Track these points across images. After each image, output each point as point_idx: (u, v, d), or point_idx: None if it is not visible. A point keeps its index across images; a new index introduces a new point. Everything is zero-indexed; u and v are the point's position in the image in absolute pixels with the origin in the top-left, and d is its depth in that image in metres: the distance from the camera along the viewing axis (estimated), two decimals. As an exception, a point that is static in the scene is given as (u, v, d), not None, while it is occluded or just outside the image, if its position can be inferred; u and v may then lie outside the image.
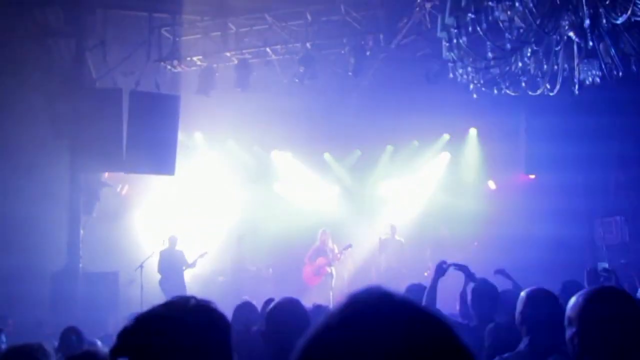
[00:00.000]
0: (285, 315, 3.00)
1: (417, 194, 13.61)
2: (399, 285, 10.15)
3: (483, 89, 6.87)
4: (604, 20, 4.99)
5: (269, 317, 3.06)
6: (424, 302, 4.51)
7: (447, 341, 0.87)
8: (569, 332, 2.24)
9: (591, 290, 2.25)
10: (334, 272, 11.91)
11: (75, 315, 8.86)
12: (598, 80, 5.47)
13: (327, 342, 0.85)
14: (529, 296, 3.16)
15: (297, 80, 9.90)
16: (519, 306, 3.15)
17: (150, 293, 9.80)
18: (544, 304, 3.10)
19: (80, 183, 9.80)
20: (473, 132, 13.21)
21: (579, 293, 2.24)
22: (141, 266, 10.17)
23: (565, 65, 5.91)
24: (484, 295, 4.53)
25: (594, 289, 2.27)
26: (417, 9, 8.92)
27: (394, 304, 0.89)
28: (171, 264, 10.59)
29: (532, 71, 6.35)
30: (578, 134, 10.13)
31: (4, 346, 3.88)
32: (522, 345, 3.08)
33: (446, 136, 13.49)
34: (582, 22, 5.11)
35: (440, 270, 4.73)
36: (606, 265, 7.09)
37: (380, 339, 0.82)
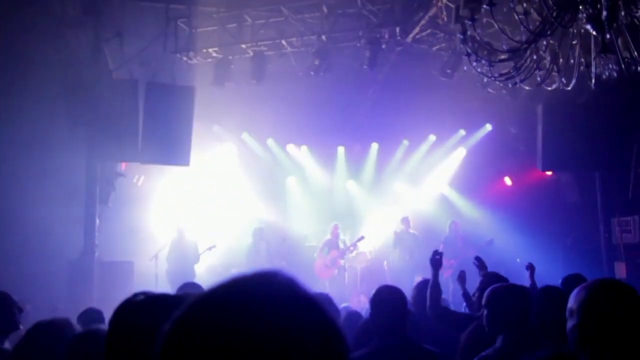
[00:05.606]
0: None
1: (432, 189, 13.57)
2: (411, 280, 10.23)
3: (497, 82, 6.80)
4: (623, 14, 4.90)
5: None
6: (428, 299, 4.48)
7: (320, 326, 0.85)
8: (569, 324, 2.21)
9: (593, 283, 2.21)
10: (346, 266, 11.92)
11: (91, 304, 8.96)
12: (615, 75, 5.36)
13: (194, 318, 0.85)
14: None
15: (312, 73, 9.87)
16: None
17: (165, 283, 9.91)
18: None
19: (96, 173, 9.91)
20: (488, 127, 13.12)
21: (581, 285, 2.21)
22: (156, 256, 10.27)
23: (582, 60, 5.81)
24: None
25: (597, 281, 2.23)
26: (434, 2, 8.84)
27: (273, 286, 0.87)
28: (181, 254, 10.58)
29: (547, 65, 6.26)
30: (596, 131, 9.96)
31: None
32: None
33: (462, 132, 13.42)
34: (600, 14, 5.03)
35: (435, 262, 4.63)
36: None
37: (244, 319, 0.81)
